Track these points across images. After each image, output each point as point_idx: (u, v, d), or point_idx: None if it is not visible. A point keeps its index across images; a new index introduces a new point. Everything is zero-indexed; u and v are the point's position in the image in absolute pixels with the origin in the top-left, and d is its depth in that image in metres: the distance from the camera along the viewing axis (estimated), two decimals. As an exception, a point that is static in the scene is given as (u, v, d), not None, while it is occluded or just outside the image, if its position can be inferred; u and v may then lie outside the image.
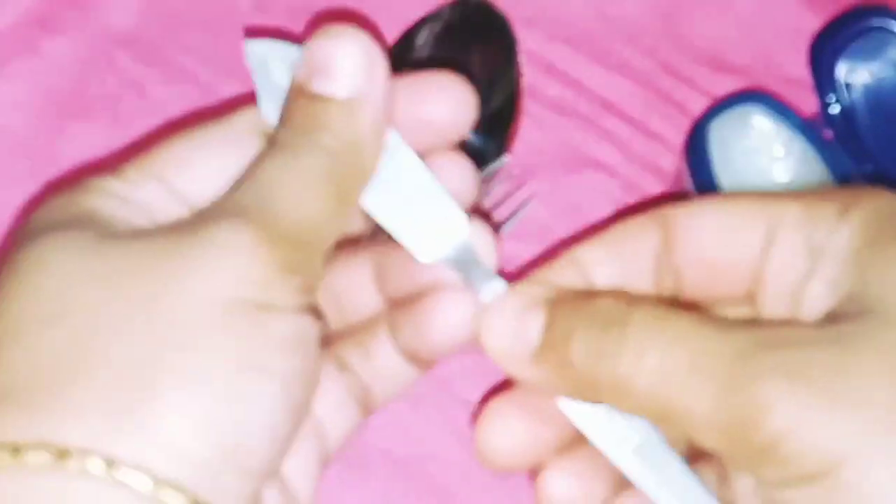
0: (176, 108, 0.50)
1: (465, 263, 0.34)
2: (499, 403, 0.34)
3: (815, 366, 0.28)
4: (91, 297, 0.29)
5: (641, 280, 0.34)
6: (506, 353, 0.32)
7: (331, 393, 0.36)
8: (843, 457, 0.27)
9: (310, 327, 0.31)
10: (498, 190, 0.49)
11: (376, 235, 0.36)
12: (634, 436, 0.32)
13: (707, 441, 0.29)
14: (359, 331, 0.37)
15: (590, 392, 0.31)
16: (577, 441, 0.34)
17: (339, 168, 0.32)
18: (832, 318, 0.30)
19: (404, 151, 0.34)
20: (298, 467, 0.34)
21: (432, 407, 0.48)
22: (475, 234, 0.34)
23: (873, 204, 0.31)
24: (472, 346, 0.34)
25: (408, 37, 0.50)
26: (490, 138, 0.49)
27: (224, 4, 0.51)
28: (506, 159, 0.49)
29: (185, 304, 0.29)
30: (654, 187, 0.50)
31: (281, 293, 0.30)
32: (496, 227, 0.48)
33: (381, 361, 0.36)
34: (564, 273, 0.34)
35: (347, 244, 0.36)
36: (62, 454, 0.27)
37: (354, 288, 0.36)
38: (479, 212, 0.35)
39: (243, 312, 0.29)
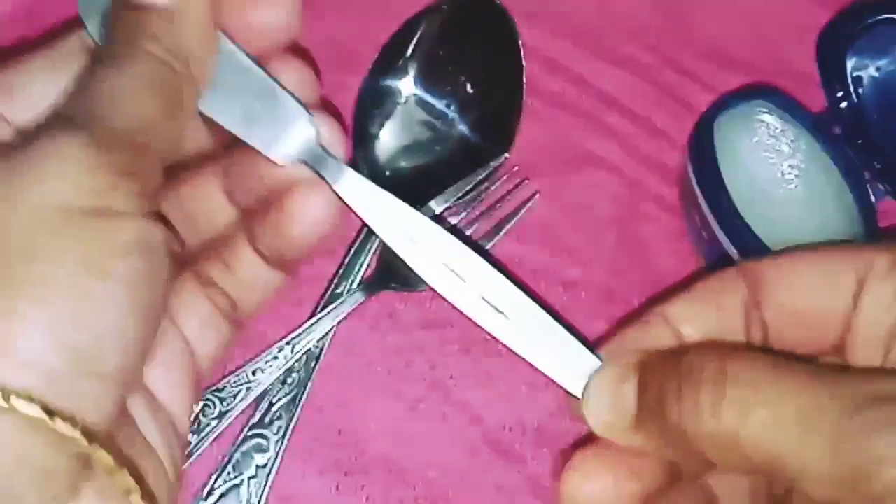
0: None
1: (315, 159, 0.35)
2: (585, 455, 0.34)
3: None
4: None
5: (733, 335, 0.34)
6: (608, 426, 0.33)
7: (196, 309, 0.37)
8: None
9: (153, 231, 0.30)
10: (499, 187, 0.49)
11: (229, 150, 0.36)
12: None
13: (819, 493, 0.29)
14: (217, 245, 0.37)
15: (693, 450, 0.31)
16: (662, 493, 0.34)
17: (167, 75, 0.32)
18: None
19: (240, 56, 0.34)
20: (168, 382, 0.35)
21: (431, 412, 0.47)
22: (321, 129, 0.35)
23: None
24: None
25: (408, 30, 0.49)
26: (490, 135, 0.49)
27: None
28: (506, 156, 0.49)
29: (23, 216, 0.29)
30: (658, 185, 0.50)
31: (118, 198, 0.29)
32: (498, 225, 0.48)
33: (244, 272, 0.38)
34: (655, 332, 0.34)
35: (199, 162, 0.37)
36: None
37: (206, 202, 0.37)
38: (324, 106, 0.36)
39: (83, 219, 0.29)
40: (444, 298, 0.36)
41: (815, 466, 0.29)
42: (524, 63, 0.49)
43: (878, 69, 0.48)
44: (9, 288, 0.28)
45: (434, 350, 0.48)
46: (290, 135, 0.35)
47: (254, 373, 0.45)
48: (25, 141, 0.30)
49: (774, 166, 0.48)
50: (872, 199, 0.47)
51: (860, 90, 0.48)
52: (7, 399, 0.27)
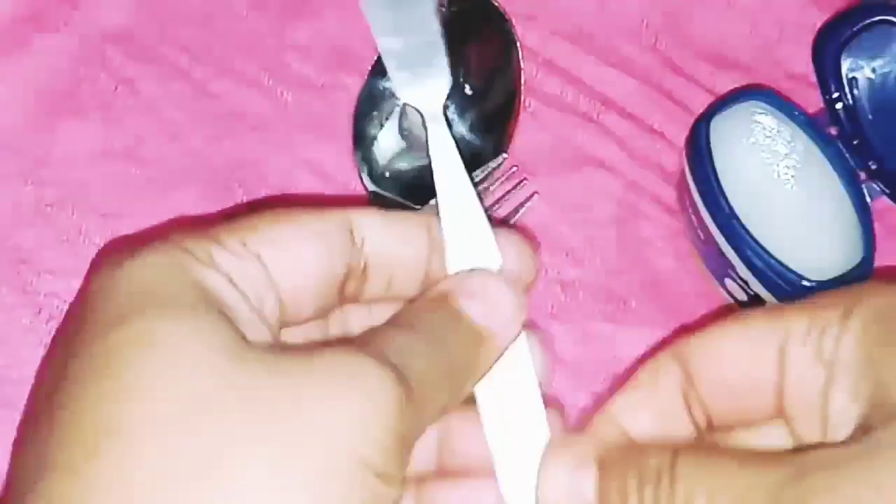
0: (169, 106, 0.50)
1: (431, 116, 0.41)
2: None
3: (850, 484, 0.29)
4: (222, 411, 0.29)
5: (676, 418, 0.35)
6: None
7: None
8: None
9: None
10: (497, 188, 0.49)
11: None
12: None
13: None
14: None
15: None
16: None
17: (462, 373, 0.34)
18: (864, 430, 0.30)
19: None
20: None
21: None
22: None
23: (874, 303, 0.32)
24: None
25: (405, 32, 0.50)
26: (488, 136, 0.49)
27: (218, 1, 0.51)
28: (504, 157, 0.49)
29: (318, 451, 0.29)
30: (657, 185, 0.50)
31: (398, 467, 0.30)
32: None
33: None
34: (604, 429, 0.35)
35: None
36: None
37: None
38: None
39: (364, 478, 0.29)
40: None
41: None
42: (522, 64, 0.50)
43: (873, 70, 0.49)
44: None
45: (433, 350, 0.48)
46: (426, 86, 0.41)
47: None
48: (324, 355, 0.31)
49: (770, 167, 0.48)
50: (868, 199, 0.48)
51: (856, 91, 0.49)
52: None
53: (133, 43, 0.50)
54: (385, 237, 0.36)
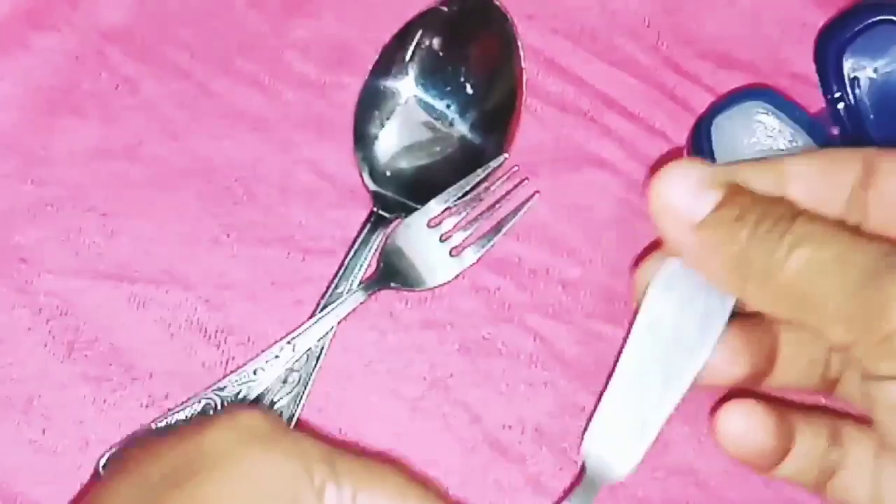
0: (169, 104, 0.50)
1: None
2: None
3: None
4: None
5: (832, 205, 0.35)
6: (672, 212, 0.34)
7: None
8: None
9: None
10: (499, 187, 0.49)
11: None
12: None
13: (836, 333, 0.32)
14: None
15: (738, 273, 0.33)
16: None
17: None
18: None
19: None
20: None
21: (431, 411, 0.47)
22: None
23: None
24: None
25: (407, 31, 0.50)
26: (490, 135, 0.49)
27: (218, 0, 0.51)
28: (505, 157, 0.49)
29: None
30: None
31: None
32: (498, 225, 0.48)
33: None
34: (763, 174, 0.35)
35: None
36: None
37: None
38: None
39: None
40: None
41: (836, 305, 0.32)
42: (523, 64, 0.49)
43: (875, 70, 0.49)
44: None
45: (434, 349, 0.48)
46: None
47: (255, 372, 0.45)
48: None
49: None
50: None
51: (857, 91, 0.48)
52: None
53: (133, 42, 0.50)
54: None
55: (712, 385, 0.38)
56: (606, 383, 0.38)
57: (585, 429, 0.38)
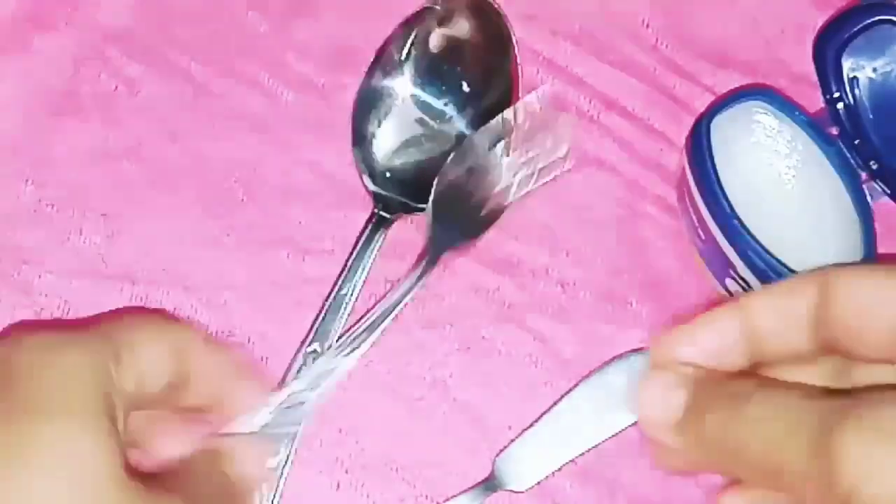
0: (169, 105, 0.50)
1: None
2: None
3: (886, 420, 0.31)
4: None
5: (797, 330, 0.36)
6: (652, 420, 0.37)
7: None
8: None
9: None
10: (525, 128, 0.49)
11: None
12: None
13: (806, 498, 0.33)
14: None
15: (717, 459, 0.35)
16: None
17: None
18: None
19: None
20: None
21: (431, 411, 0.47)
22: None
23: None
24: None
25: (403, 30, 0.50)
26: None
27: (218, 1, 0.51)
28: (546, 88, 0.49)
29: None
30: (658, 185, 0.50)
31: None
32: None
33: None
34: (729, 318, 0.37)
35: None
36: None
37: None
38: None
39: None
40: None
41: (799, 472, 0.32)
42: (519, 61, 0.49)
43: (874, 70, 0.49)
44: None
45: (434, 349, 0.48)
46: None
47: None
48: None
49: (771, 167, 0.48)
50: (869, 199, 0.48)
51: (857, 91, 0.49)
52: None
53: (133, 43, 0.50)
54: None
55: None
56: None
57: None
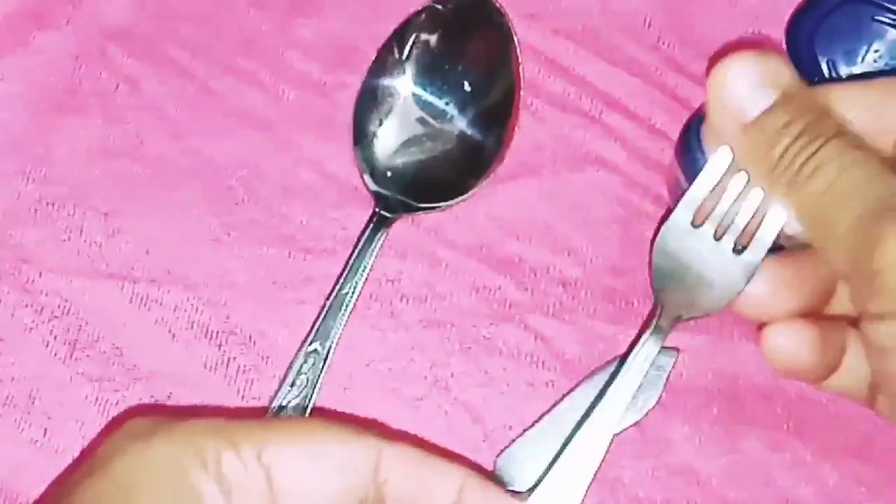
0: (171, 104, 0.50)
1: None
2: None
3: None
4: None
5: (887, 134, 0.36)
6: (726, 105, 0.36)
7: None
8: None
9: None
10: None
11: None
12: None
13: (837, 261, 0.34)
14: None
15: (773, 178, 0.35)
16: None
17: None
18: None
19: None
20: None
21: (432, 411, 0.47)
22: None
23: None
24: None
25: (405, 29, 0.50)
26: (489, 131, 0.49)
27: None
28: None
29: None
30: (658, 185, 0.50)
31: None
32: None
33: None
34: (816, 98, 0.37)
35: None
36: None
37: None
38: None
39: None
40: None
41: (841, 233, 0.33)
42: (521, 60, 0.49)
43: (848, 50, 0.48)
44: None
45: (435, 349, 0.48)
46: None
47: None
48: None
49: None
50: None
51: (835, 74, 0.48)
52: None
53: (134, 41, 0.50)
54: (411, 481, 0.38)
55: (758, 318, 0.39)
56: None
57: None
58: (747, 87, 0.36)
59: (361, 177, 0.49)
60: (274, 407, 0.46)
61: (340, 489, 0.36)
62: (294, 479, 0.36)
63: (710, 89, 0.37)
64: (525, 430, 0.46)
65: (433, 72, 0.49)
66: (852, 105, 0.36)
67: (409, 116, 0.49)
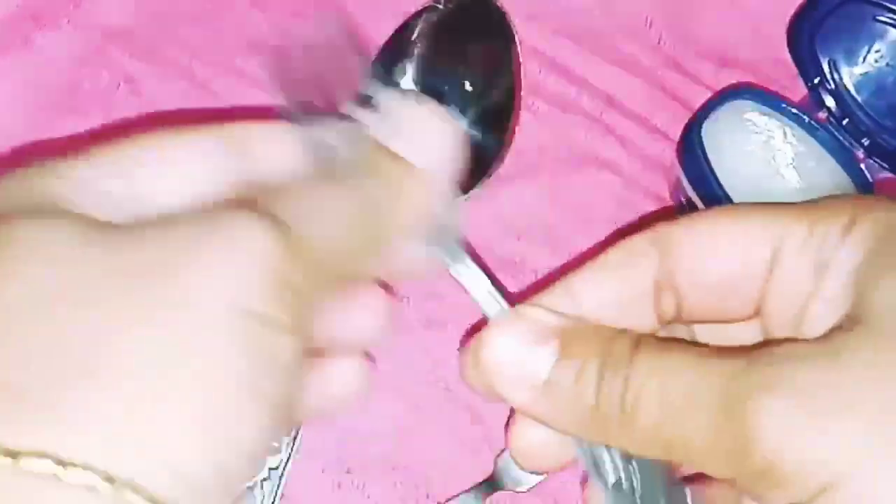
0: (171, 104, 0.50)
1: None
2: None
3: (802, 381, 0.27)
4: (102, 293, 0.27)
5: (641, 305, 0.33)
6: (509, 381, 0.31)
7: None
8: (834, 472, 0.27)
9: (301, 353, 0.29)
10: None
11: None
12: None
13: (711, 471, 0.29)
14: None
15: (597, 430, 0.31)
16: None
17: (384, 214, 0.31)
18: (828, 335, 0.29)
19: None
20: None
21: (433, 411, 0.47)
22: None
23: (880, 215, 0.30)
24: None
25: (405, 29, 0.50)
26: (489, 131, 0.49)
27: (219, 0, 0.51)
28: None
29: (198, 310, 0.27)
30: (658, 185, 0.50)
31: (286, 312, 0.28)
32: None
33: None
34: (558, 302, 0.32)
35: None
36: (62, 464, 0.26)
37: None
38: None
39: (248, 326, 0.27)
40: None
41: (702, 444, 0.28)
42: (521, 60, 0.49)
43: (849, 49, 0.48)
44: (166, 386, 0.26)
45: (436, 349, 0.48)
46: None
47: None
48: (217, 216, 0.28)
49: (767, 162, 0.48)
50: (869, 178, 0.48)
51: (836, 73, 0.48)
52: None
53: (134, 41, 0.50)
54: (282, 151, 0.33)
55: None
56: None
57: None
58: (523, 350, 0.31)
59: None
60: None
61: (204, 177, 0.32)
62: (150, 173, 0.31)
63: (483, 364, 0.32)
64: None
65: (434, 72, 0.49)
66: (586, 294, 0.32)
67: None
